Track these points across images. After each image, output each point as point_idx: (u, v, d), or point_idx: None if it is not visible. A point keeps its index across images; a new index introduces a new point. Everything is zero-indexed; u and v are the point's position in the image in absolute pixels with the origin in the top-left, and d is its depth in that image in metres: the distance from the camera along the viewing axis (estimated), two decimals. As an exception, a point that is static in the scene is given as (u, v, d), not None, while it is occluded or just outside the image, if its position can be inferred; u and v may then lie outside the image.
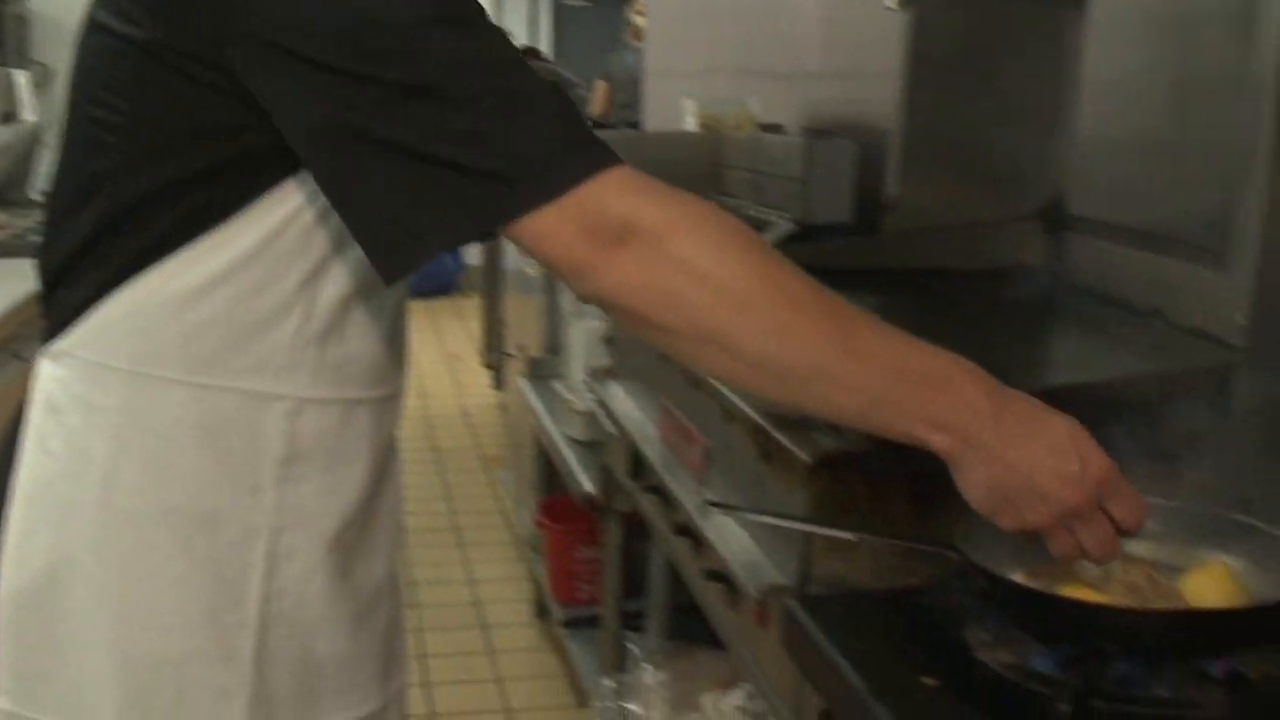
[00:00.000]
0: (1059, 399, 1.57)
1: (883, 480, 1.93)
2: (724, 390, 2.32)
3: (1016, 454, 1.42)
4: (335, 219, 1.41)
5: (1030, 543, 1.50)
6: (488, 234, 1.39)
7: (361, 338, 1.53)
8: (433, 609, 4.56)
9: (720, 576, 2.26)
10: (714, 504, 1.67)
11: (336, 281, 1.48)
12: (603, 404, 3.07)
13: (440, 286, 9.38)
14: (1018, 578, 1.60)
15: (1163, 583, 1.60)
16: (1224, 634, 1.51)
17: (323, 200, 1.40)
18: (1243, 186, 1.99)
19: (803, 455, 1.95)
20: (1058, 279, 2.57)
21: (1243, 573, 1.61)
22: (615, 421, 2.97)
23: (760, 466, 2.15)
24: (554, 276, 1.43)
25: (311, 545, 1.54)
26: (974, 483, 1.45)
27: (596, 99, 9.42)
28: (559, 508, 4.10)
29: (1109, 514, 1.45)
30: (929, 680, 1.54)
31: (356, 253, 1.42)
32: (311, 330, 1.48)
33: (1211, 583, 1.58)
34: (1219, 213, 2.03)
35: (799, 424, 2.07)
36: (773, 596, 1.97)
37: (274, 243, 1.43)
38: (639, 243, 1.34)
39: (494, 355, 6.14)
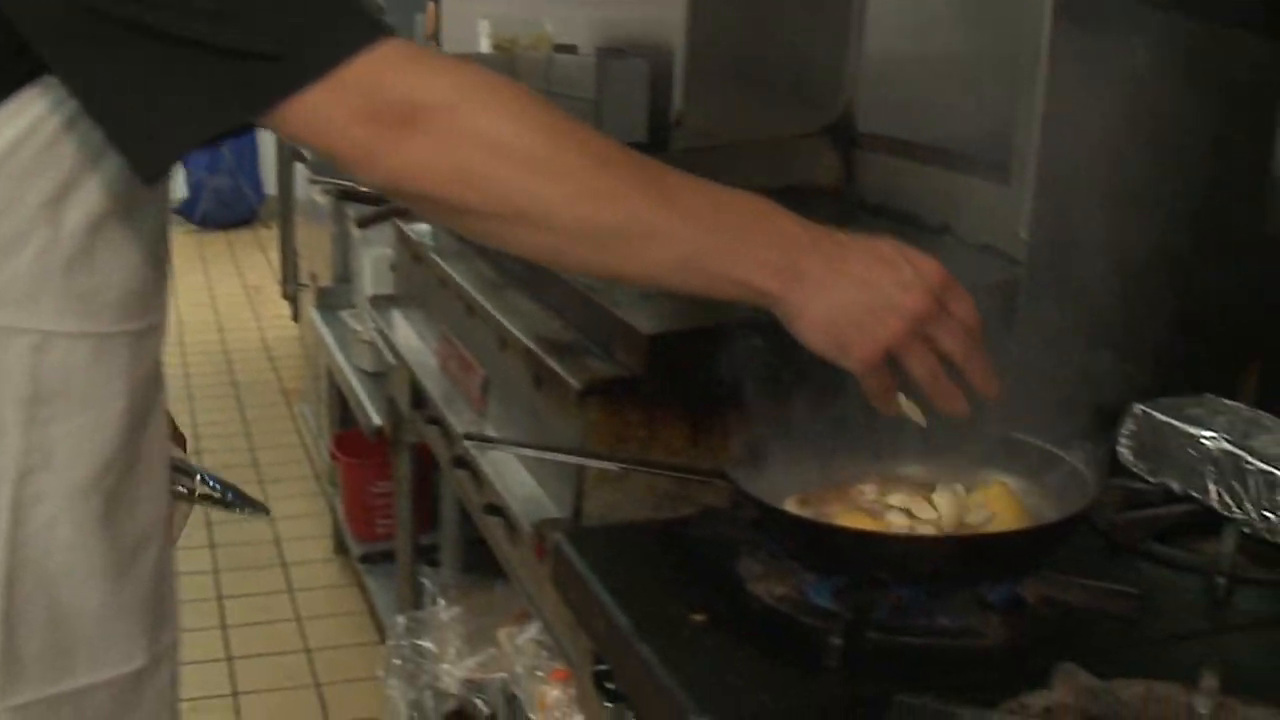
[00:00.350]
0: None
1: (657, 406, 1.83)
2: (499, 316, 2.21)
3: (849, 270, 1.32)
4: (81, 131, 1.24)
5: (884, 392, 1.39)
6: (251, 120, 1.23)
7: (115, 265, 1.35)
8: (230, 548, 4.39)
9: (498, 510, 2.14)
10: (471, 437, 1.54)
11: (85, 202, 1.30)
12: (383, 333, 2.93)
13: (240, 217, 9.01)
14: (790, 506, 1.50)
15: (942, 507, 1.51)
16: (1002, 559, 1.43)
17: (67, 109, 1.23)
18: (1023, 101, 1.91)
19: (573, 381, 1.85)
20: (849, 196, 2.49)
21: (1023, 493, 1.54)
22: (395, 351, 2.84)
23: (534, 395, 2.04)
24: (338, 166, 1.28)
25: (63, 491, 1.37)
26: (813, 320, 1.33)
27: (428, 19, 9.16)
28: (352, 441, 3.95)
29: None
30: (698, 616, 1.44)
31: (107, 169, 1.26)
32: (56, 257, 1.30)
33: (990, 505, 1.50)
34: (1002, 128, 1.94)
35: (571, 349, 1.96)
36: (547, 530, 1.85)
37: (8, 161, 1.25)
38: (428, 120, 1.21)
39: (291, 286, 5.93)
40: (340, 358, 3.77)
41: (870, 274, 1.33)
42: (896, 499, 1.52)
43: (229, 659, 3.76)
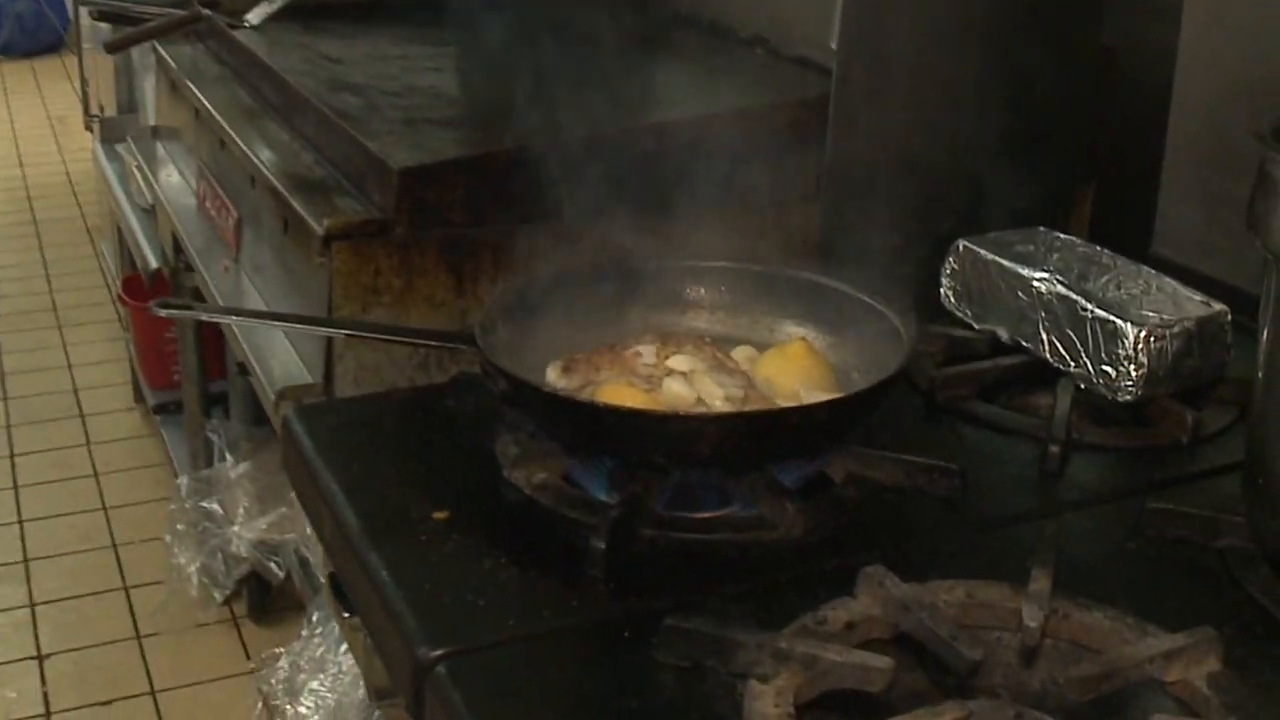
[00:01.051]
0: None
1: (414, 251, 1.59)
2: (248, 150, 1.93)
3: None
4: None
5: None
6: None
7: None
8: (24, 400, 4.03)
9: (246, 371, 1.86)
10: (167, 305, 1.26)
11: None
12: (143, 170, 2.59)
13: (46, 45, 8.38)
14: (552, 374, 1.24)
15: (730, 368, 1.24)
16: (800, 436, 1.20)
17: None
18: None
19: (315, 225, 1.61)
20: (658, 7, 2.35)
21: (828, 349, 1.34)
22: (156, 191, 2.51)
23: (282, 239, 1.79)
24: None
25: None
26: None
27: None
28: (141, 283, 3.58)
29: None
30: (440, 514, 1.19)
31: None
32: None
33: (790, 366, 1.25)
34: None
35: (322, 187, 1.69)
36: (285, 400, 1.57)
37: None
38: None
39: (89, 118, 5.47)
40: (120, 195, 3.41)
41: None
42: (679, 362, 1.25)
43: (20, 522, 3.43)
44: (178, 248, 2.50)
